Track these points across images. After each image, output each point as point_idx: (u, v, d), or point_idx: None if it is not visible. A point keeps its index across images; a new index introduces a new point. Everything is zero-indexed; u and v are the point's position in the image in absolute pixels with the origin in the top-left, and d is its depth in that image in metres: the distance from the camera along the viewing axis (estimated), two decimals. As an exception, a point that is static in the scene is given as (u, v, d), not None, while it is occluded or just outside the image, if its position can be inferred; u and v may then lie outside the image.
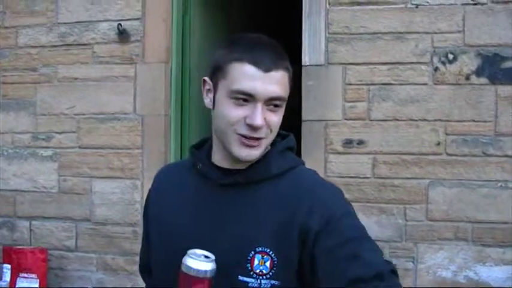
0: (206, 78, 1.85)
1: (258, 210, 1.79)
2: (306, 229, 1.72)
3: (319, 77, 4.49)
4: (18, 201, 5.19)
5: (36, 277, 4.76)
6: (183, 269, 1.65)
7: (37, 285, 4.73)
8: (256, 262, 1.74)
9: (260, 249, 1.75)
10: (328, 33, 4.48)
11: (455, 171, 4.30)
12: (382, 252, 1.75)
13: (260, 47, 1.78)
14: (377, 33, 4.43)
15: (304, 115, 4.52)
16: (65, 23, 5.07)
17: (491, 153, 4.26)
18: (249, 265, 1.73)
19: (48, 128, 5.12)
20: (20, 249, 4.94)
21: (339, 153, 4.46)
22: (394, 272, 1.72)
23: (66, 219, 5.07)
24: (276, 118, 1.76)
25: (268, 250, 1.75)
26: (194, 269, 1.64)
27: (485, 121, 4.28)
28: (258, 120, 1.71)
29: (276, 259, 1.74)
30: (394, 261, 4.37)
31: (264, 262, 1.74)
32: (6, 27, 5.23)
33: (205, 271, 1.64)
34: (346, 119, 4.46)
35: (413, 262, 4.36)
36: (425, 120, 4.34)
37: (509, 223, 4.22)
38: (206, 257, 1.66)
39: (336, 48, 4.48)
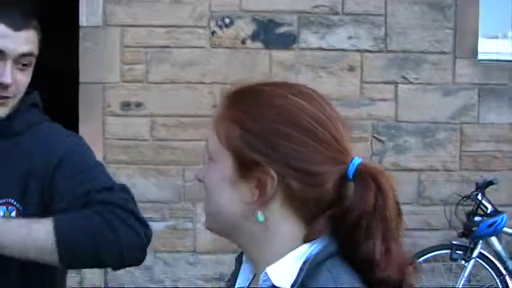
0: None
1: (1, 165, 1.85)
2: (43, 175, 1.81)
3: (97, 39, 4.53)
4: None
5: None
6: None
7: None
8: (1, 214, 1.80)
9: (4, 200, 1.82)
10: (106, -6, 4.55)
11: (232, 132, 4.51)
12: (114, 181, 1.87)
13: (9, 7, 1.85)
14: (155, -5, 4.55)
15: (82, 77, 4.54)
16: None
17: (265, 115, 4.52)
18: None
19: None
20: None
21: (117, 115, 4.54)
22: (125, 188, 1.84)
23: None
24: (24, 78, 1.83)
25: (13, 201, 1.82)
26: None
27: (260, 84, 4.53)
28: (8, 78, 1.77)
29: (21, 208, 1.82)
30: (173, 221, 4.55)
31: (10, 213, 1.81)
32: None
33: None
34: (124, 82, 4.54)
35: (191, 222, 4.54)
36: (202, 83, 4.51)
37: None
38: None
39: (113, 9, 4.54)
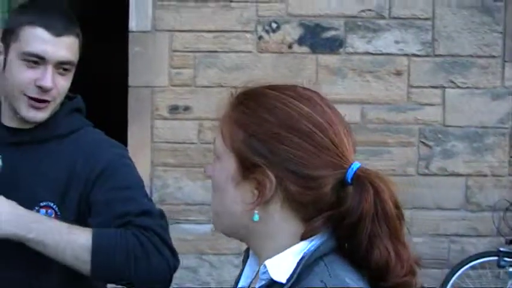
0: None
1: (43, 168, 1.94)
2: (84, 183, 1.90)
3: (146, 44, 4.63)
4: None
5: None
6: None
7: None
8: None
9: (44, 203, 1.90)
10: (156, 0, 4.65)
11: (277, 136, 4.57)
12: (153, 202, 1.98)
13: (52, 12, 1.92)
14: (204, 1, 4.62)
15: (131, 81, 4.65)
16: None
17: (312, 119, 4.57)
18: None
19: None
20: None
21: (165, 119, 4.64)
22: (163, 214, 1.94)
23: None
24: (64, 82, 1.91)
25: (52, 204, 1.90)
26: None
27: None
28: (48, 82, 1.86)
29: (59, 212, 1.90)
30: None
31: (49, 216, 1.89)
32: None
33: None
34: (172, 86, 4.63)
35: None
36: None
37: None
38: None
39: (162, 15, 4.64)
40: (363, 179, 1.22)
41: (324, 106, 1.26)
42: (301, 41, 4.60)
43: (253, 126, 1.25)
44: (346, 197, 1.22)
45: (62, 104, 2.00)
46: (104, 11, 6.34)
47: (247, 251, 1.41)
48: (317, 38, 4.60)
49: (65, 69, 1.91)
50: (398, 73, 4.64)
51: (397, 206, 1.23)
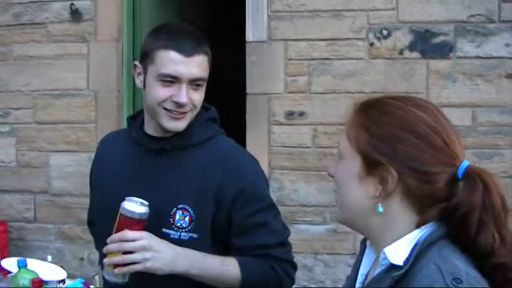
0: (136, 63, 2.27)
1: (182, 173, 2.19)
2: (221, 193, 2.15)
3: (262, 53, 4.91)
4: (-22, 176, 5.58)
5: (-4, 248, 5.16)
6: (121, 211, 2.02)
7: (-2, 256, 5.13)
8: (177, 217, 2.15)
9: (181, 206, 2.15)
10: (270, 11, 4.91)
11: (390, 140, 4.75)
12: (280, 214, 2.28)
13: (181, 35, 2.17)
14: (316, 10, 4.86)
15: (249, 89, 4.93)
16: (19, 3, 5.39)
17: (423, 123, 4.73)
18: (171, 219, 2.15)
19: (5, 105, 5.47)
20: (-20, 221, 5.35)
21: (282, 124, 4.90)
22: (289, 235, 2.28)
23: (25, 191, 5.44)
24: (198, 96, 2.16)
25: (188, 207, 2.15)
26: (130, 211, 2.01)
27: (417, 93, 4.71)
28: (183, 99, 2.12)
29: (194, 215, 2.15)
30: (334, 225, 4.85)
31: (184, 217, 2.15)
32: (-38, 8, 5.58)
33: (140, 213, 2.02)
34: (288, 92, 4.89)
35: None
36: (362, 92, 4.78)
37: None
38: (142, 203, 2.04)
39: (277, 25, 4.91)
40: (472, 174, 1.42)
41: (437, 113, 1.49)
42: (411, 47, 4.76)
43: (376, 129, 1.46)
44: (458, 191, 1.42)
45: (198, 114, 2.23)
46: (223, 23, 6.70)
47: (363, 242, 1.64)
48: (427, 43, 4.74)
49: (198, 85, 2.15)
50: (509, 76, 4.73)
51: (502, 198, 1.44)
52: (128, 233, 2.01)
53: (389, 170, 1.44)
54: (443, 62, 4.74)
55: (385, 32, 4.78)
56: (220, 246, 2.21)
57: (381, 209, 1.47)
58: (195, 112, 2.20)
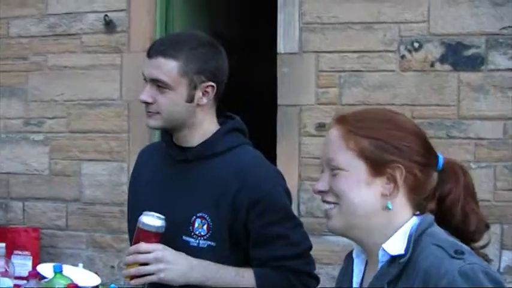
0: None
1: (203, 182, 2.24)
2: (237, 202, 2.18)
3: (294, 65, 4.97)
4: (12, 183, 5.67)
5: (29, 254, 5.23)
6: (139, 224, 2.13)
7: (30, 262, 5.23)
8: (196, 225, 2.20)
9: (200, 214, 2.20)
10: (302, 23, 4.97)
11: (421, 152, 4.77)
12: (302, 225, 2.30)
13: (161, 39, 2.29)
14: (348, 23, 4.91)
15: (280, 100, 4.99)
16: (54, 14, 5.53)
17: (454, 136, 4.74)
18: (190, 227, 2.20)
19: (39, 114, 5.59)
20: (14, 228, 5.42)
21: (313, 135, 4.94)
22: (310, 247, 2.30)
23: (57, 199, 5.55)
24: (163, 99, 2.20)
25: (206, 215, 2.20)
26: (147, 224, 2.12)
27: (448, 105, 4.76)
28: (142, 96, 2.23)
29: (211, 224, 2.19)
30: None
31: (202, 225, 2.20)
32: (-2, 18, 5.71)
33: (156, 227, 2.12)
34: (318, 104, 4.94)
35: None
36: (392, 104, 4.80)
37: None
38: (158, 217, 2.13)
39: (309, 37, 4.96)
40: (451, 165, 1.65)
41: (409, 119, 1.70)
42: (443, 60, 4.79)
43: (377, 134, 1.60)
44: (443, 180, 1.63)
45: (222, 123, 2.30)
46: (254, 34, 6.77)
47: (349, 257, 1.73)
48: (459, 56, 4.76)
49: (160, 87, 2.19)
50: (540, 89, 4.74)
51: (471, 180, 1.67)
52: (143, 245, 2.11)
53: (398, 167, 1.57)
54: (474, 75, 4.75)
55: (416, 45, 4.82)
56: (240, 256, 2.25)
57: (390, 206, 1.58)
58: (166, 115, 2.23)
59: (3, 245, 5.21)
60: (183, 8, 5.61)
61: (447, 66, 4.78)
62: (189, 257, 2.15)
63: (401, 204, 1.60)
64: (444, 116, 4.77)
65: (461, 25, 4.77)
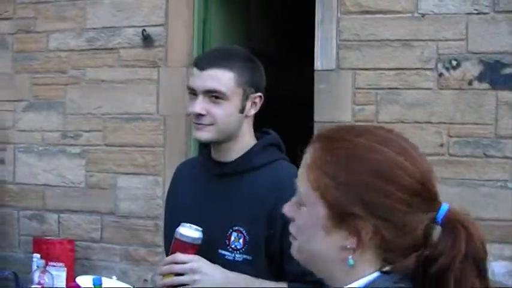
0: None
1: (240, 196, 2.26)
2: (273, 217, 2.18)
3: (330, 81, 4.99)
4: (48, 195, 5.75)
5: (64, 266, 5.31)
6: (176, 235, 2.16)
7: (65, 274, 5.29)
8: (232, 238, 2.23)
9: (236, 227, 2.23)
10: (339, 40, 4.98)
11: (458, 171, 4.72)
12: None
13: (208, 52, 2.32)
14: (385, 40, 4.92)
15: (316, 117, 5.01)
16: (92, 29, 5.62)
17: (491, 155, 4.71)
18: (227, 240, 2.23)
19: (76, 127, 5.67)
20: (49, 239, 5.50)
21: (348, 152, 4.95)
22: None
23: (92, 212, 5.61)
24: (218, 110, 2.22)
25: (242, 229, 2.22)
26: (184, 235, 2.15)
27: (486, 124, 4.73)
28: (195, 107, 2.22)
29: (247, 237, 2.22)
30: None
31: (238, 239, 2.22)
32: (38, 32, 5.78)
33: (193, 238, 2.15)
34: (355, 121, 4.93)
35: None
36: (429, 122, 4.81)
37: (508, 221, 4.63)
38: (196, 228, 2.16)
39: (346, 54, 4.98)
40: (453, 221, 1.27)
41: (402, 142, 1.34)
42: (481, 78, 4.76)
43: (344, 176, 1.29)
44: (434, 236, 1.27)
45: (258, 139, 2.32)
46: (291, 50, 6.81)
47: None
48: (497, 74, 4.73)
49: (215, 97, 2.21)
50: None
51: (484, 248, 1.28)
52: (179, 256, 2.15)
53: (364, 223, 1.28)
54: (512, 94, 4.72)
55: (454, 63, 4.81)
56: (276, 269, 2.26)
57: (351, 262, 1.31)
58: (222, 126, 2.25)
59: (39, 255, 5.34)
60: (220, 24, 5.66)
61: (485, 85, 4.76)
62: (225, 270, 2.18)
63: (370, 260, 1.32)
64: (481, 135, 4.74)
65: (499, 43, 4.75)
